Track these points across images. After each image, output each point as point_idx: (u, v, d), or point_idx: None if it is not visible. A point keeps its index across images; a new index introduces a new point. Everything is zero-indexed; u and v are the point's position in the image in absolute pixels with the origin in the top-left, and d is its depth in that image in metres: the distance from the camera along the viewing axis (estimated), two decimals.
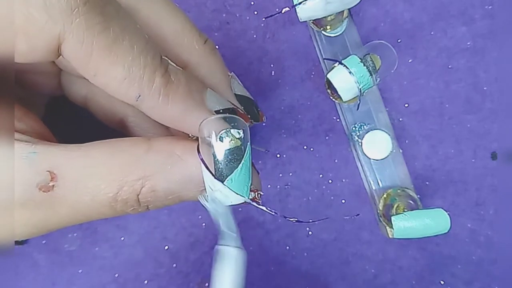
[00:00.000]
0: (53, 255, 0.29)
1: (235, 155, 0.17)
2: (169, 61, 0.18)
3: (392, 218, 0.23)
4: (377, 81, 0.24)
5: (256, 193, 0.20)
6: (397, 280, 0.29)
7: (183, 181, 0.18)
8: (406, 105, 0.29)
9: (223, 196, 0.18)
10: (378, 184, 0.28)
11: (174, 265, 0.29)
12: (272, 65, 0.30)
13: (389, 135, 0.27)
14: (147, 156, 0.18)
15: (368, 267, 0.29)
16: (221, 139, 0.17)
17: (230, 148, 0.17)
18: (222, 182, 0.17)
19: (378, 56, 0.24)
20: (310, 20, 0.27)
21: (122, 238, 0.29)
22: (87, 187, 0.17)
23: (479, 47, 0.29)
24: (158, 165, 0.18)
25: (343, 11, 0.25)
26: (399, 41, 0.29)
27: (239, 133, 0.18)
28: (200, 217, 0.29)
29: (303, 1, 0.22)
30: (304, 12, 0.23)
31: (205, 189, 0.18)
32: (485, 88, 0.29)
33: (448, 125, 0.29)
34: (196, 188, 0.18)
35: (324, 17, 0.24)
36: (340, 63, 0.24)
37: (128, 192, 0.17)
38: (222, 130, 0.17)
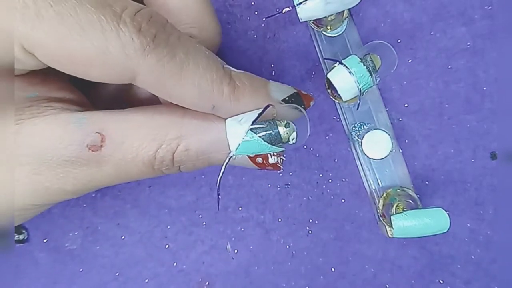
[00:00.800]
0: (54, 253, 0.29)
1: (273, 140, 0.19)
2: (230, 67, 0.20)
3: (392, 217, 0.23)
4: (377, 81, 0.24)
5: (279, 158, 0.21)
6: (397, 279, 0.29)
7: (214, 142, 0.20)
8: (406, 105, 0.29)
9: (234, 128, 0.19)
10: (378, 183, 0.28)
11: (175, 264, 0.29)
12: (272, 65, 0.30)
13: (389, 135, 0.27)
14: (183, 119, 0.20)
15: (367, 267, 0.29)
16: (286, 125, 0.19)
17: (279, 134, 0.19)
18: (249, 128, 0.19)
19: (378, 56, 0.24)
20: (310, 20, 0.27)
21: (123, 237, 0.29)
22: (131, 146, 0.19)
23: (478, 47, 0.29)
24: (193, 127, 0.20)
25: (343, 11, 0.25)
26: (399, 41, 0.29)
27: (293, 138, 0.19)
28: (200, 216, 0.29)
29: (303, 1, 0.22)
30: (304, 12, 0.23)
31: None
32: (484, 88, 0.29)
33: (447, 125, 0.29)
34: (224, 150, 0.20)
35: (324, 17, 0.24)
36: (340, 63, 0.24)
37: (166, 150, 0.19)
38: (289, 122, 0.19)
